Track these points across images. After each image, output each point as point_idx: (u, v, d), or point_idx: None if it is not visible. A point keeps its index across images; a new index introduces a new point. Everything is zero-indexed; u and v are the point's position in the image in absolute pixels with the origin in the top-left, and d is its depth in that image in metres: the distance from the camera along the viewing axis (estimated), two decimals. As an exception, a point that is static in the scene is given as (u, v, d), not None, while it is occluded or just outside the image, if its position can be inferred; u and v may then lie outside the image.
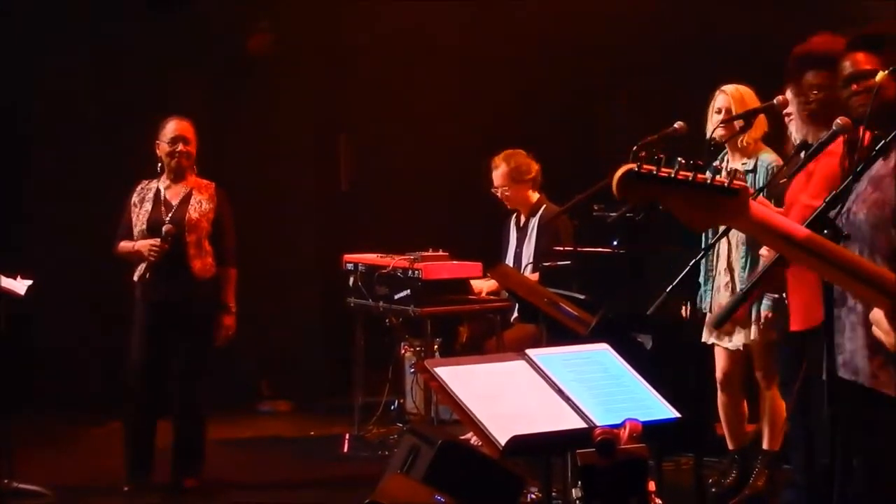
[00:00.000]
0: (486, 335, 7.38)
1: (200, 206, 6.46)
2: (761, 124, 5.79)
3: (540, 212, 7.15)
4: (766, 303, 5.71)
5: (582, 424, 3.55)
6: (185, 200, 6.46)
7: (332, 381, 8.87)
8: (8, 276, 6.30)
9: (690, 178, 2.68)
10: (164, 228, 6.34)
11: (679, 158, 2.69)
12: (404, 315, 7.23)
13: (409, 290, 7.06)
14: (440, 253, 7.30)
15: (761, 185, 5.55)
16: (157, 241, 6.32)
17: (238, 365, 8.36)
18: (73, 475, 6.80)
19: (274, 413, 8.87)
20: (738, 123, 5.53)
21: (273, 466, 7.24)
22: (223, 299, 6.50)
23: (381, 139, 9.17)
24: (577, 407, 3.61)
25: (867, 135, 3.43)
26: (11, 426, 6.24)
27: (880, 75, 3.39)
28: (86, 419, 8.02)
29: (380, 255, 7.37)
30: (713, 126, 5.85)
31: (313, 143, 9.42)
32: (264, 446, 7.82)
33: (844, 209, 3.40)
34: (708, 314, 5.94)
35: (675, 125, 5.29)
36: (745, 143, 5.85)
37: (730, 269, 5.87)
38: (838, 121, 3.90)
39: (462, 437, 5.34)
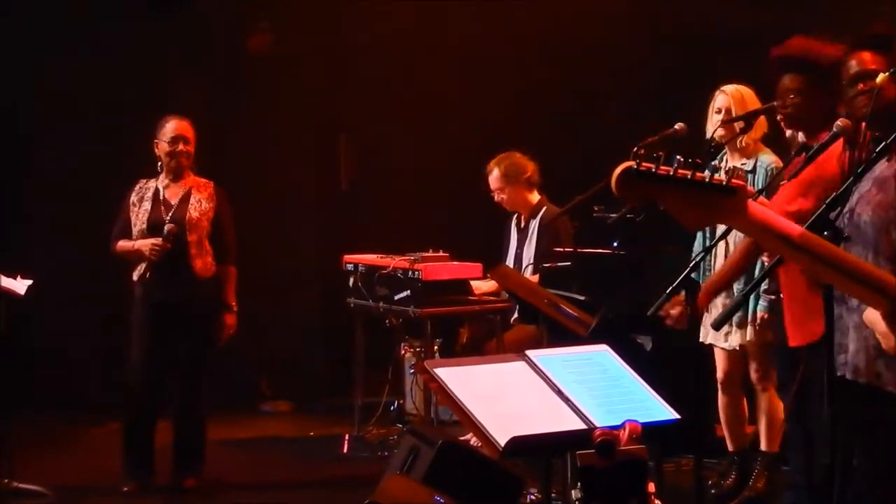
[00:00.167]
0: (486, 336, 7.37)
1: (200, 205, 6.46)
2: (761, 125, 5.78)
3: (541, 213, 7.14)
4: (762, 304, 5.70)
5: (582, 425, 3.54)
6: (185, 200, 6.45)
7: (332, 382, 8.86)
8: (8, 276, 6.30)
9: (689, 176, 2.66)
10: (166, 228, 6.33)
11: (678, 157, 2.68)
12: (404, 316, 7.22)
13: (409, 291, 7.05)
14: (440, 253, 7.29)
15: (760, 185, 5.53)
16: (158, 240, 6.31)
17: (238, 365, 8.35)
18: (73, 475, 6.79)
19: (274, 413, 8.87)
20: (738, 125, 5.52)
21: (273, 467, 7.24)
22: (224, 298, 6.50)
23: (381, 139, 9.16)
24: (577, 408, 3.60)
25: (867, 135, 3.43)
26: (11, 426, 6.25)
27: (881, 77, 3.40)
28: (86, 419, 8.02)
29: (380, 255, 7.36)
30: (713, 126, 5.84)
31: (313, 143, 9.41)
32: (264, 446, 7.81)
33: (847, 210, 3.39)
34: (706, 314, 5.93)
35: (676, 126, 5.26)
36: (744, 144, 5.84)
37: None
38: (839, 122, 3.89)
39: (462, 438, 5.33)
